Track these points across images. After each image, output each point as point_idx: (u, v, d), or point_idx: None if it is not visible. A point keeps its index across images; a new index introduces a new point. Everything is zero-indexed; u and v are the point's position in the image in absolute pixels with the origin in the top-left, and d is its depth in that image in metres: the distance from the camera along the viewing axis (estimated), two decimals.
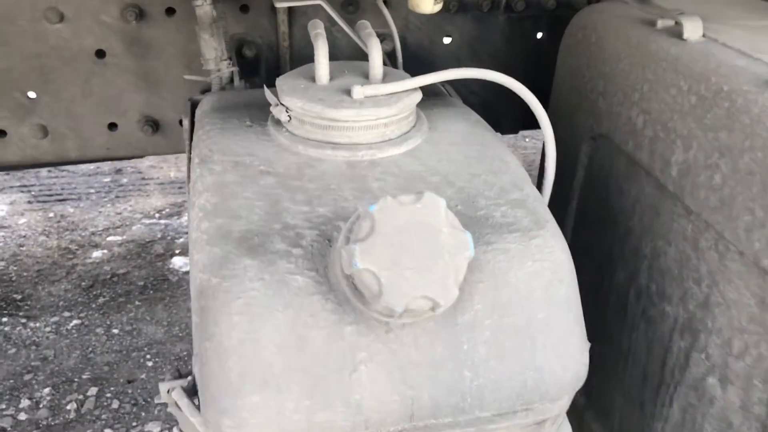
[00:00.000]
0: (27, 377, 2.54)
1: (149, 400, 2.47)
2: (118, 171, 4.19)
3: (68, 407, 2.40)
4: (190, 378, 1.03)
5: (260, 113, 1.31)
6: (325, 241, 0.96)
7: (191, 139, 1.34)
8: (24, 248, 3.41)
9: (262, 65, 1.94)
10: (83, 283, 3.10)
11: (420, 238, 0.85)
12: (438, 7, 1.62)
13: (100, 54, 1.84)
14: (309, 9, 1.85)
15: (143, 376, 2.57)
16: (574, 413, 1.33)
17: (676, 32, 1.34)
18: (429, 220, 0.85)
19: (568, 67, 1.69)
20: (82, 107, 1.88)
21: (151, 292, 3.06)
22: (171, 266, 3.26)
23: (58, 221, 3.68)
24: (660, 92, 1.32)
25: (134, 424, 2.36)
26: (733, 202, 1.12)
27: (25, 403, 2.42)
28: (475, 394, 0.95)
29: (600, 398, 1.61)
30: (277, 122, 1.23)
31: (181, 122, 1.92)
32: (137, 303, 2.97)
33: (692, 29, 1.31)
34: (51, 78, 1.82)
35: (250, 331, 0.90)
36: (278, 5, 1.54)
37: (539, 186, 1.22)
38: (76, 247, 3.41)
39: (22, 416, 2.37)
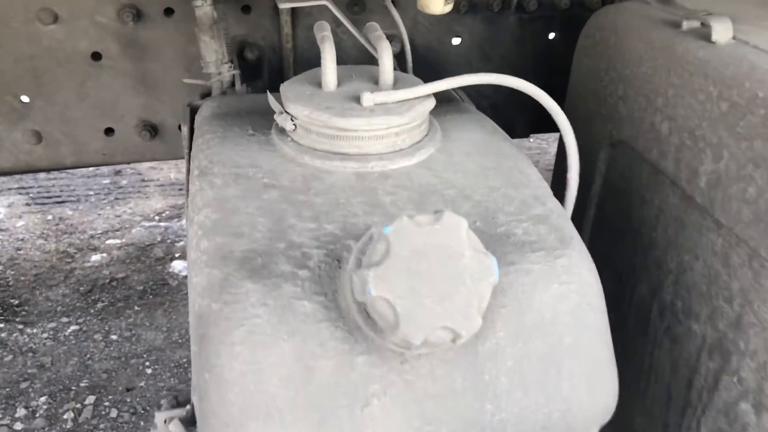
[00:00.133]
0: (23, 385, 2.49)
1: (148, 408, 2.41)
2: (118, 173, 4.14)
3: (65, 416, 2.34)
4: (188, 407, 0.96)
5: (263, 120, 1.23)
6: (333, 262, 0.89)
7: (190, 148, 1.27)
8: (22, 252, 3.37)
9: (265, 68, 1.88)
10: (81, 288, 3.05)
11: (439, 262, 0.77)
12: (448, 8, 1.55)
13: (96, 56, 1.79)
14: (313, 10, 1.78)
15: (142, 384, 2.51)
16: None
17: (704, 34, 1.26)
18: (449, 243, 0.78)
19: (585, 69, 1.61)
20: (77, 111, 1.82)
21: (151, 296, 3.00)
22: (171, 270, 3.22)
23: (57, 224, 3.64)
24: (687, 98, 1.25)
25: None
26: None
27: (21, 412, 2.36)
28: (497, 428, 0.88)
29: (619, 417, 1.53)
30: (282, 131, 1.15)
31: (180, 127, 1.85)
32: (136, 308, 2.92)
33: (721, 31, 1.23)
34: (45, 81, 1.77)
35: (252, 362, 0.83)
36: (281, 6, 1.47)
37: (560, 197, 1.15)
38: (75, 251, 3.37)
39: (18, 426, 2.31)
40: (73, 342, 2.71)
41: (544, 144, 4.53)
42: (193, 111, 1.42)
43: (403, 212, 0.99)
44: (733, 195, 1.13)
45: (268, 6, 1.81)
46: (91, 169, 4.15)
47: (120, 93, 1.82)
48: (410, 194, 1.03)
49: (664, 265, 1.34)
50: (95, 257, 3.29)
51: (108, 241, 3.42)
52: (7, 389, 2.44)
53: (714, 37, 1.24)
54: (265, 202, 1.00)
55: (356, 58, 1.88)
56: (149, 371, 2.57)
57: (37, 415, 2.35)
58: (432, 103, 1.14)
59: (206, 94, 1.68)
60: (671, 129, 1.29)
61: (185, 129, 1.37)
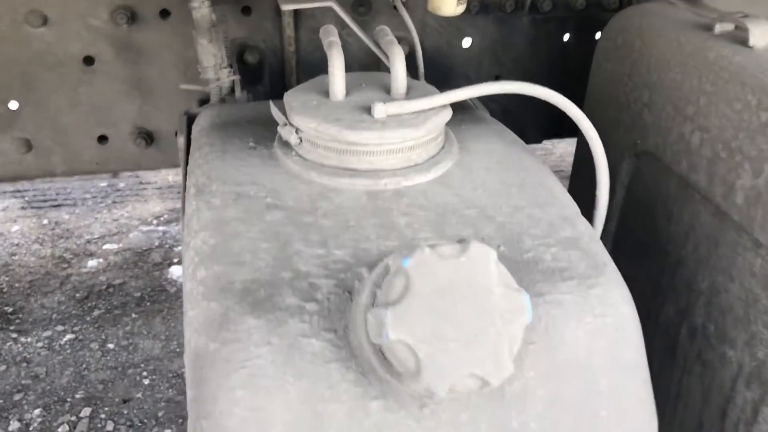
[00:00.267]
0: (17, 397, 2.43)
1: (145, 421, 2.35)
2: (115, 175, 4.07)
3: (60, 429, 2.29)
4: None
5: (265, 132, 1.14)
6: (344, 294, 0.81)
7: (187, 161, 1.18)
8: (16, 257, 3.33)
9: (266, 72, 1.80)
10: (77, 295, 2.99)
11: (466, 300, 0.69)
12: (461, 9, 1.47)
13: (89, 60, 1.71)
14: (317, 11, 1.69)
15: (139, 395, 2.45)
16: None
17: (740, 38, 1.17)
18: (477, 278, 0.69)
19: (606, 74, 1.52)
20: (69, 118, 1.75)
21: (148, 303, 2.95)
22: (169, 276, 3.16)
23: (53, 228, 3.60)
24: (721, 106, 1.16)
25: None
26: None
27: (14, 425, 2.31)
28: None
29: None
30: (286, 144, 1.06)
31: (177, 134, 1.77)
32: (134, 315, 2.86)
33: (759, 34, 1.14)
34: (34, 87, 1.70)
35: (255, 408, 0.75)
36: (284, 8, 1.38)
37: (588, 216, 1.06)
38: (71, 256, 3.33)
39: None
40: (69, 351, 2.66)
41: (548, 144, 4.45)
42: (190, 120, 1.34)
43: (420, 233, 0.91)
44: None
45: (270, 7, 1.73)
46: None
47: (114, 99, 1.75)
48: (427, 215, 0.94)
49: (695, 286, 1.25)
50: (92, 263, 3.23)
51: (105, 246, 3.36)
52: (0, 401, 2.39)
53: (751, 41, 1.15)
54: (268, 225, 0.91)
55: (362, 61, 1.80)
56: (147, 382, 2.50)
57: (31, 428, 2.29)
58: (449, 113, 1.05)
59: (204, 101, 1.60)
60: (703, 140, 1.20)
61: (181, 140, 1.28)
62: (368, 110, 1.01)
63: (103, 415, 2.35)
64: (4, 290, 2.99)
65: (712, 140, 1.18)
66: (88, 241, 3.42)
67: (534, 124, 1.99)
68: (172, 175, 4.11)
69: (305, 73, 1.78)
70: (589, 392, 0.81)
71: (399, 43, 1.81)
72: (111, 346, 2.68)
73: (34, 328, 2.76)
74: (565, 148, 4.27)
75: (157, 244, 3.39)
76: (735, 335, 1.16)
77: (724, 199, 1.16)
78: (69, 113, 1.74)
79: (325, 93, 1.07)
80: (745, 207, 1.11)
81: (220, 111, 1.29)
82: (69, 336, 2.73)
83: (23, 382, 2.48)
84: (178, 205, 3.75)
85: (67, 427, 2.28)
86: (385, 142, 0.98)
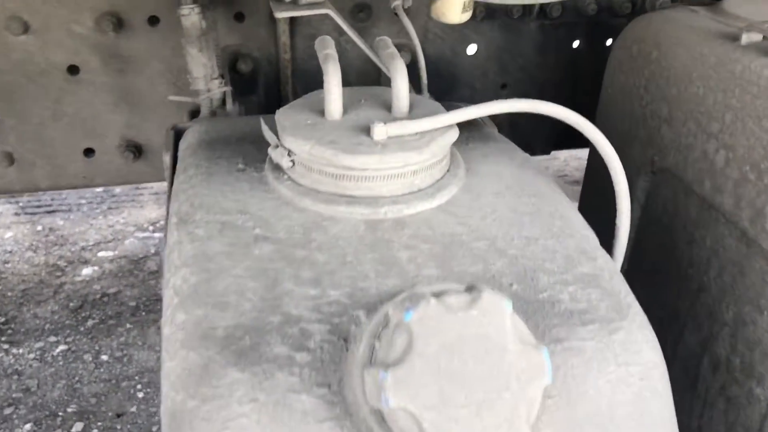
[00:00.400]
0: (7, 411, 2.37)
1: None
2: None
3: None
4: None
5: (256, 151, 1.06)
6: (339, 342, 0.72)
7: (172, 181, 1.09)
8: (9, 265, 3.28)
9: (260, 82, 1.72)
10: (71, 304, 2.94)
11: (477, 360, 0.60)
12: (466, 16, 1.39)
13: (73, 70, 1.65)
14: (314, 18, 1.60)
15: (133, 409, 2.39)
16: None
17: None
18: (489, 333, 0.60)
19: (620, 85, 1.44)
20: (53, 131, 1.68)
21: (144, 313, 2.89)
22: None
23: (47, 235, 3.55)
24: (749, 124, 1.07)
25: None
26: None
27: None
28: None
29: None
30: (277, 167, 0.98)
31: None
32: (128, 326, 2.80)
33: None
34: (16, 98, 1.63)
35: None
36: (278, 16, 1.30)
37: (601, 234, 0.96)
38: (65, 264, 3.28)
39: None
40: (61, 363, 2.60)
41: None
42: (178, 135, 1.25)
43: (423, 270, 0.82)
44: None
45: (264, 13, 1.65)
46: None
47: (100, 110, 1.68)
48: (431, 248, 0.85)
49: (718, 315, 1.16)
50: (86, 270, 3.17)
51: (100, 254, 3.31)
52: None
53: None
54: (256, 261, 0.82)
55: (361, 69, 1.71)
56: (141, 395, 2.45)
57: None
58: (455, 134, 0.97)
59: (195, 113, 1.52)
60: (729, 160, 1.12)
61: (167, 158, 1.19)
62: (367, 131, 0.93)
63: (95, 430, 2.29)
64: None
65: (738, 160, 1.09)
66: (83, 248, 3.37)
67: (542, 135, 1.91)
68: None
69: (301, 82, 1.70)
70: None
71: (400, 51, 1.73)
72: (105, 357, 2.61)
73: (26, 338, 2.71)
74: (569, 152, 4.20)
75: (153, 251, 3.34)
76: (763, 371, 1.07)
77: (751, 225, 1.07)
78: (53, 125, 1.67)
79: (321, 111, 0.98)
80: None
81: (209, 127, 1.20)
82: (62, 347, 2.67)
83: (14, 395, 2.42)
84: None
85: None
86: (385, 167, 0.90)
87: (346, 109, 0.99)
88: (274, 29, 1.67)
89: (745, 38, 1.13)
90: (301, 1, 1.32)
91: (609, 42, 1.87)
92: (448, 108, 1.12)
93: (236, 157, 1.06)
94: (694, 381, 1.24)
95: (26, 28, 1.57)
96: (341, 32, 1.35)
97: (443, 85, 1.82)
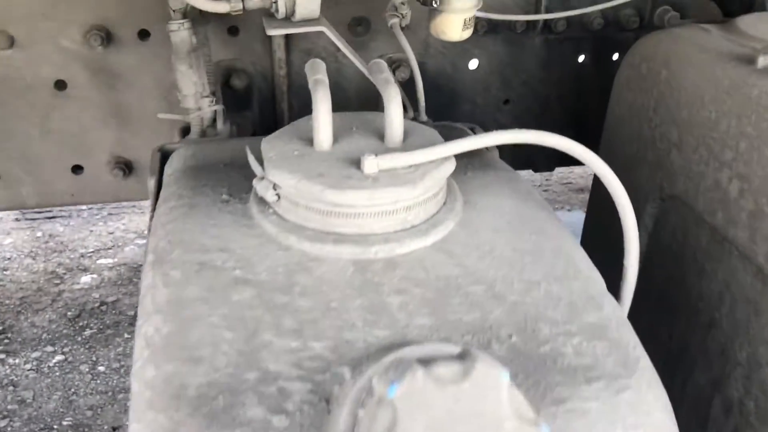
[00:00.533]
0: (1, 424, 2.34)
1: None
2: None
3: None
4: None
5: (243, 179, 1.00)
6: (320, 403, 0.66)
7: (155, 208, 1.03)
8: (8, 272, 3.27)
9: (255, 98, 1.66)
10: (69, 313, 2.90)
11: None
12: (467, 34, 1.33)
13: (60, 85, 1.60)
14: (310, 33, 1.55)
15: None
16: None
17: None
18: (483, 410, 0.54)
19: (627, 106, 1.37)
20: (40, 148, 1.64)
21: None
22: None
23: (46, 241, 3.54)
24: (766, 153, 1.01)
25: None
26: None
27: None
28: None
29: None
30: (262, 200, 0.92)
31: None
32: (126, 336, 2.76)
33: None
34: (2, 114, 1.58)
35: None
36: (270, 33, 1.24)
37: (593, 248, 0.90)
38: (64, 271, 3.26)
39: None
40: (58, 374, 2.56)
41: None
42: (165, 156, 1.20)
43: (415, 319, 0.76)
44: None
45: (259, 27, 1.59)
46: None
47: (89, 126, 1.63)
48: (424, 293, 0.79)
49: (731, 354, 1.10)
50: (85, 278, 3.13)
51: (99, 261, 3.27)
52: None
53: None
54: (234, 308, 0.76)
55: (359, 85, 1.66)
56: None
57: None
58: (452, 166, 0.91)
59: (186, 129, 1.46)
60: (743, 191, 1.05)
61: (152, 183, 1.14)
62: (357, 163, 0.87)
63: None
64: None
65: (754, 192, 1.03)
66: (82, 255, 3.34)
67: (545, 153, 1.84)
68: None
69: (297, 98, 1.64)
70: None
71: (399, 66, 1.67)
72: (101, 368, 2.57)
73: (23, 348, 2.67)
74: None
75: None
76: None
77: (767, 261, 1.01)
78: (40, 142, 1.63)
79: (309, 140, 0.93)
80: None
81: (196, 150, 1.15)
82: (59, 357, 2.64)
83: (9, 407, 2.38)
84: None
85: None
86: (375, 203, 0.84)
87: (337, 137, 0.93)
88: (270, 44, 1.61)
89: (762, 61, 1.07)
90: (295, 18, 1.27)
91: (615, 57, 1.80)
92: (447, 132, 1.06)
93: (221, 186, 1.00)
94: (704, 421, 1.17)
95: (12, 42, 1.53)
96: (338, 48, 1.30)
97: (444, 100, 1.76)
